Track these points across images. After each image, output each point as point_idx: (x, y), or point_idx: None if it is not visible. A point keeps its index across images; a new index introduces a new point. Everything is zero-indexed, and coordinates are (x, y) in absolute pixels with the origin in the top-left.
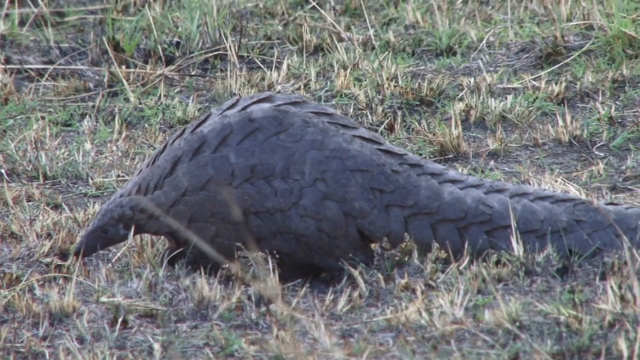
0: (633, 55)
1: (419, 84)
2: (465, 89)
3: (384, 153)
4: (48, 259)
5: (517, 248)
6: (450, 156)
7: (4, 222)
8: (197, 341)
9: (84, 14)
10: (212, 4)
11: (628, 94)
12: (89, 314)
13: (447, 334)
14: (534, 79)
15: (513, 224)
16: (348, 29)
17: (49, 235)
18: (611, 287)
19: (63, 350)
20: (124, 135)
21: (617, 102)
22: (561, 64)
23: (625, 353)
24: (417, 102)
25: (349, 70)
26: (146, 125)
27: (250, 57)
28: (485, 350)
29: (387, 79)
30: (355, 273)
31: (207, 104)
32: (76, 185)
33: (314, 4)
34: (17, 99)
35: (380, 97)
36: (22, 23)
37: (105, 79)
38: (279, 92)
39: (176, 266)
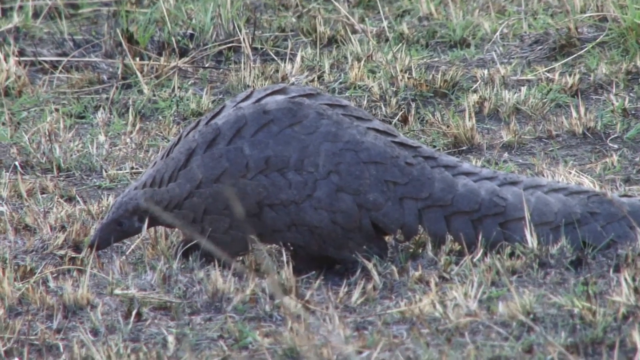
0: None
1: (433, 75)
2: (479, 81)
3: (397, 145)
4: (62, 252)
5: (531, 240)
6: (464, 148)
7: (18, 214)
8: (211, 333)
9: (98, 6)
10: None
11: None
12: (103, 306)
13: (461, 326)
14: (548, 71)
15: (527, 216)
16: (362, 20)
17: (62, 228)
18: (625, 279)
19: (77, 343)
20: (137, 127)
21: (631, 94)
22: (575, 55)
23: (639, 345)
24: (431, 94)
25: (362, 62)
26: (160, 117)
27: (264, 49)
28: (499, 342)
29: (401, 70)
30: (369, 265)
31: (221, 96)
32: (90, 178)
33: None
34: (31, 92)
35: (394, 89)
36: (36, 15)
37: (119, 71)
38: (292, 84)
39: (190, 258)
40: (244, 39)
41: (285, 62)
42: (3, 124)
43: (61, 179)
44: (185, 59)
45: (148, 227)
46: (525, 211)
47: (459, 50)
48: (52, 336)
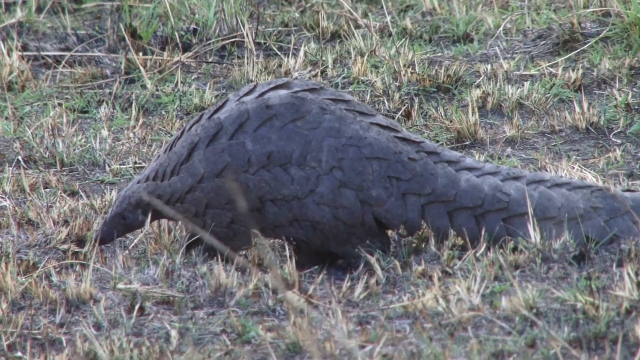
0: None
1: (436, 70)
2: (482, 76)
3: (400, 141)
4: (65, 246)
5: (534, 235)
6: (467, 143)
7: (21, 209)
8: (213, 328)
9: (101, 0)
10: None
11: None
12: (106, 300)
13: (463, 320)
14: (551, 66)
15: (530, 211)
16: (365, 15)
17: (65, 222)
18: (628, 273)
19: (80, 337)
20: (140, 122)
21: (634, 89)
22: (578, 50)
23: None
24: (434, 89)
25: (366, 57)
26: (163, 112)
27: (267, 44)
28: (502, 336)
29: (404, 65)
30: (372, 260)
31: (224, 91)
32: (93, 172)
33: None
34: (34, 86)
35: (397, 84)
36: (39, 10)
37: (122, 66)
38: (296, 79)
39: (193, 253)
40: (247, 34)
41: (288, 57)
42: (6, 118)
43: (64, 173)
44: (189, 54)
45: (151, 220)
46: (529, 206)
47: (462, 45)
48: (55, 330)
